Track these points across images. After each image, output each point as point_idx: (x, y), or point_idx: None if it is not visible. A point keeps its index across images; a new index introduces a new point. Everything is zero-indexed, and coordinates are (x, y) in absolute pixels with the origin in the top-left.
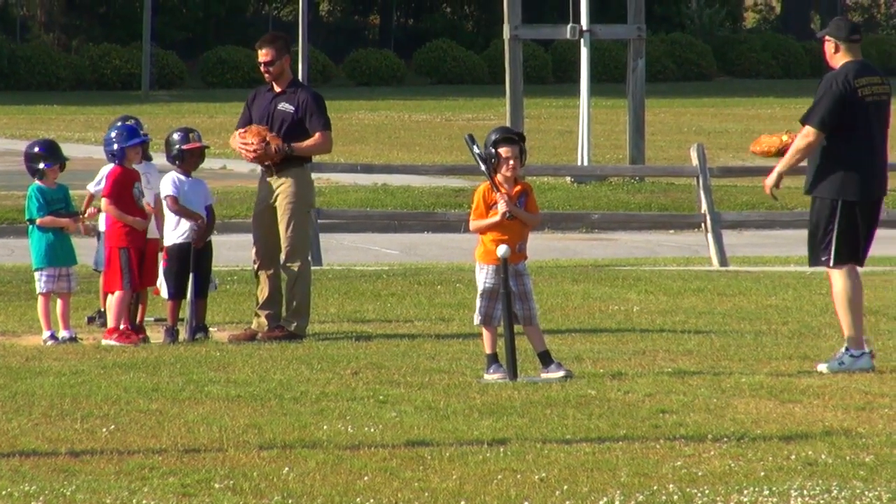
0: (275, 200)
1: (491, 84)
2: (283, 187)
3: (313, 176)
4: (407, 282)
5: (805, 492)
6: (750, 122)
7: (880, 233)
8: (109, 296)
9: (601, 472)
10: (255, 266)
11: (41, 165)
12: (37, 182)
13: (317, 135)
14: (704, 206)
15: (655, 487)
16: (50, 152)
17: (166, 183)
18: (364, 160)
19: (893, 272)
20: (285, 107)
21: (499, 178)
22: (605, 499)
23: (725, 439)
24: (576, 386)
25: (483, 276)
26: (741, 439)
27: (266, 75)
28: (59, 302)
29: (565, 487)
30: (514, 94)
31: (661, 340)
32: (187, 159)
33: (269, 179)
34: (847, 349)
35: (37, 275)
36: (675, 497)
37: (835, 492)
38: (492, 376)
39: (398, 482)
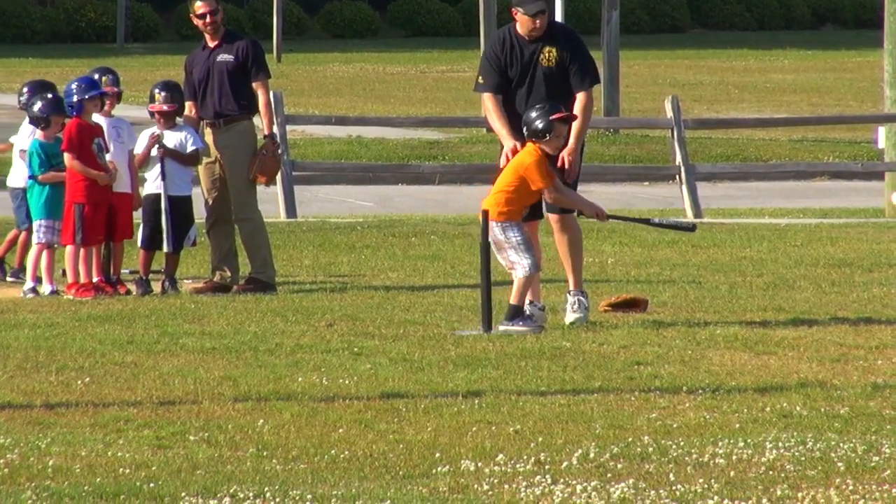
0: (221, 155)
1: (465, 36)
2: (228, 142)
3: (287, 128)
4: (381, 234)
5: (780, 444)
6: (724, 73)
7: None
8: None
9: (576, 424)
10: (209, 222)
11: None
12: (37, 138)
13: (262, 93)
14: (679, 158)
15: (630, 439)
16: (52, 104)
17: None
18: (338, 112)
19: (868, 224)
20: (224, 58)
21: (544, 147)
22: (579, 451)
23: (700, 391)
24: (550, 338)
25: (513, 232)
26: (716, 391)
27: (208, 27)
28: (45, 255)
29: (540, 439)
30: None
31: (636, 292)
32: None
33: (214, 134)
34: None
35: (35, 225)
36: (650, 449)
37: (810, 443)
38: (520, 328)
39: (373, 434)
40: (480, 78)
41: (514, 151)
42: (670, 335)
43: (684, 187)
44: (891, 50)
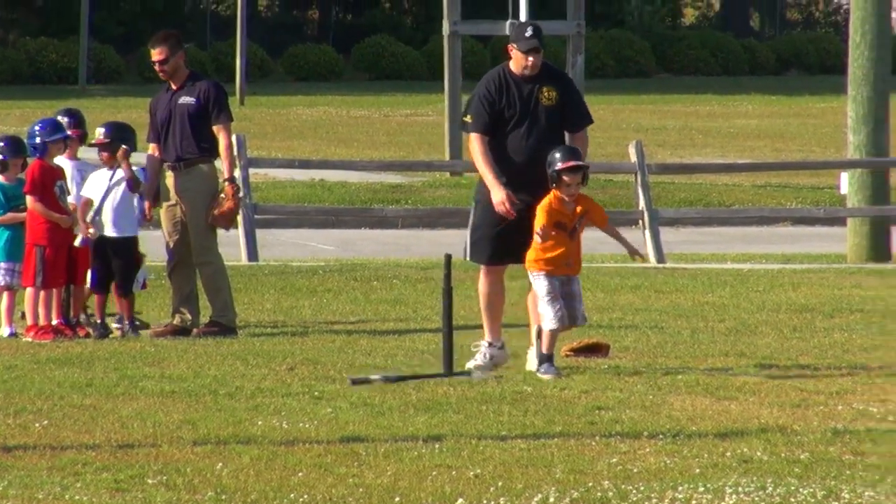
0: (181, 198)
1: (430, 80)
2: (189, 185)
3: (250, 171)
4: (343, 278)
5: (740, 489)
6: (688, 118)
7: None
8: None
9: (536, 468)
10: (171, 265)
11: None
12: None
13: (222, 136)
14: (642, 203)
15: (591, 484)
16: (10, 146)
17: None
18: (301, 155)
19: (829, 269)
20: (186, 100)
21: (558, 195)
22: (539, 495)
23: (661, 436)
24: (511, 382)
25: (544, 283)
26: (677, 436)
27: (161, 74)
28: (5, 298)
29: (500, 484)
30: (453, 89)
31: (598, 337)
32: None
33: (175, 176)
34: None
35: None
36: (610, 494)
37: (770, 489)
38: (546, 376)
39: (332, 478)
40: (469, 117)
41: (503, 204)
42: (632, 380)
43: (647, 232)
44: (854, 96)
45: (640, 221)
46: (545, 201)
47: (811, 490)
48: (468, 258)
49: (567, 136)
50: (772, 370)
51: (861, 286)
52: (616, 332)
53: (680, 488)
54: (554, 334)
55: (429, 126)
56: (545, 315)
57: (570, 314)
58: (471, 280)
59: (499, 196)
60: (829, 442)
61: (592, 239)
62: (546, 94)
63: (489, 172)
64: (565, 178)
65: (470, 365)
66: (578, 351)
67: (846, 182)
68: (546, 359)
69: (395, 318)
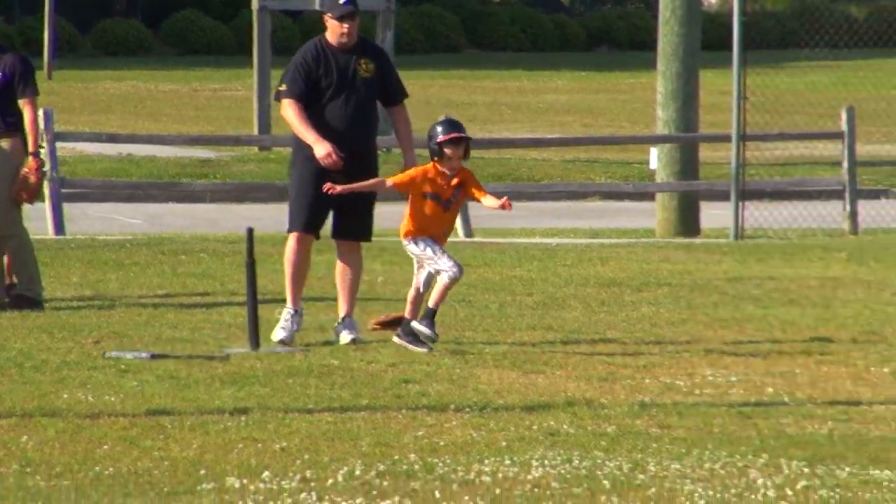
0: None
1: (239, 55)
2: None
3: (57, 145)
4: (150, 251)
5: (546, 462)
6: (498, 94)
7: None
8: None
9: (342, 441)
10: None
11: None
12: None
13: (28, 111)
14: None
15: (397, 457)
16: None
17: None
18: (110, 130)
19: (638, 244)
20: None
21: (439, 168)
22: (345, 468)
23: (468, 409)
24: (319, 355)
25: (420, 246)
26: (483, 409)
27: None
28: None
29: (306, 457)
30: (262, 64)
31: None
32: None
33: None
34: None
35: None
36: (417, 467)
37: (576, 462)
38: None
39: (138, 451)
40: (284, 85)
41: (330, 156)
42: (439, 353)
43: None
44: (664, 72)
45: None
46: (421, 168)
47: (617, 463)
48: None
49: (388, 112)
50: (579, 344)
51: (669, 260)
52: (423, 305)
53: (486, 461)
54: (451, 284)
55: (237, 101)
56: (442, 266)
57: (425, 280)
58: (277, 254)
59: (323, 150)
60: (636, 415)
61: (399, 214)
62: (364, 66)
63: (309, 131)
64: (447, 150)
65: (276, 337)
66: (385, 324)
67: (655, 157)
68: (431, 314)
69: (202, 291)
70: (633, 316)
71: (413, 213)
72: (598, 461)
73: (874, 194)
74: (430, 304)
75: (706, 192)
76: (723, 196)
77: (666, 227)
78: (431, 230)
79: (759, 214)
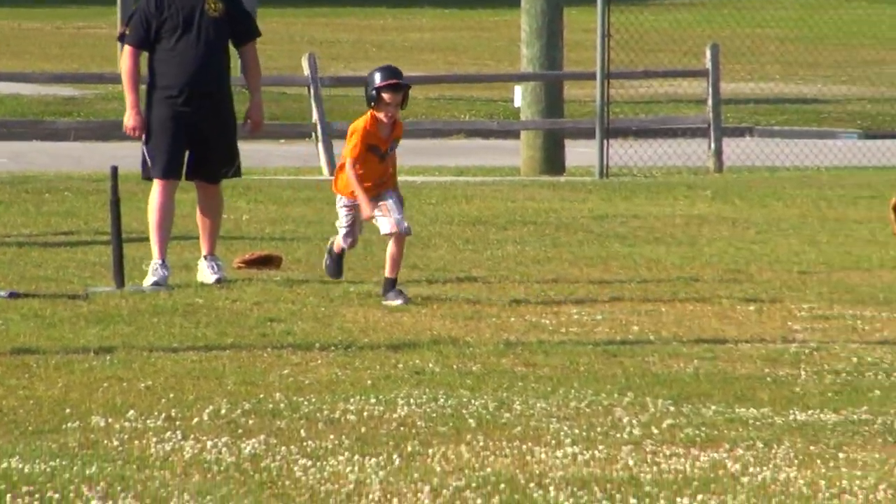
0: None
1: None
2: None
3: None
4: (14, 190)
5: (412, 400)
6: (362, 32)
7: (491, 143)
8: None
9: (208, 380)
10: None
11: None
12: None
13: None
14: (315, 116)
15: (262, 396)
16: None
17: None
18: None
19: (503, 182)
20: None
21: (376, 116)
22: (211, 407)
23: (333, 348)
24: (183, 294)
25: (344, 214)
26: (349, 348)
27: None
28: None
29: (171, 395)
30: (125, 2)
31: (270, 249)
32: None
33: None
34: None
35: None
36: (282, 405)
37: (441, 400)
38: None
39: (3, 390)
40: (128, 29)
41: (134, 130)
42: (304, 292)
43: (321, 145)
44: (528, 9)
45: (314, 134)
46: (360, 123)
47: (483, 401)
48: (149, 176)
49: (238, 52)
50: (444, 283)
51: (534, 199)
52: (289, 244)
53: (352, 400)
54: (340, 250)
55: (101, 39)
56: (338, 239)
57: (397, 220)
58: (142, 193)
59: (130, 121)
60: (501, 354)
61: (263, 152)
62: (212, 5)
63: (130, 93)
64: (385, 96)
65: (145, 284)
66: (251, 263)
67: (520, 95)
68: (390, 284)
69: (66, 230)
70: (499, 254)
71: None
72: (464, 400)
73: (739, 132)
74: (387, 273)
75: (571, 131)
76: (588, 134)
77: (531, 166)
78: (365, 182)
79: (624, 153)
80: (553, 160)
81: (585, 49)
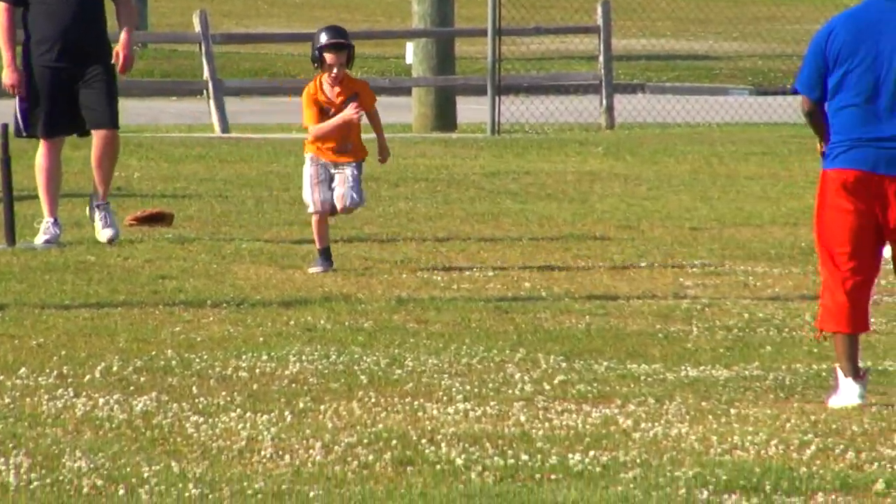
0: None
1: None
2: None
3: None
4: None
5: (304, 357)
6: None
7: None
8: None
9: (100, 337)
10: None
11: None
12: None
13: None
14: (206, 73)
15: (154, 353)
16: None
17: None
18: None
19: (395, 139)
20: None
21: (324, 78)
22: (102, 364)
23: (225, 305)
24: (76, 251)
25: (308, 169)
26: (241, 305)
27: None
28: None
29: (63, 353)
30: None
31: (162, 206)
32: None
33: None
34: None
35: None
36: (174, 362)
37: (333, 357)
38: (315, 269)
39: None
40: None
41: (12, 87)
42: (196, 249)
43: (212, 102)
44: None
45: (205, 91)
46: (305, 89)
47: (375, 358)
48: (24, 133)
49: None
50: (336, 240)
51: (426, 155)
52: (180, 201)
53: (244, 357)
54: (318, 222)
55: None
56: (306, 201)
57: (342, 194)
58: (32, 150)
59: (7, 79)
60: (393, 310)
61: (155, 109)
62: None
63: (6, 51)
64: (327, 56)
65: (36, 242)
66: (142, 220)
67: (411, 52)
68: (320, 253)
69: None
70: (390, 211)
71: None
72: (356, 356)
73: (630, 89)
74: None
75: (462, 87)
76: (479, 91)
77: (422, 122)
78: (327, 145)
79: (516, 109)
80: (445, 117)
81: (477, 5)
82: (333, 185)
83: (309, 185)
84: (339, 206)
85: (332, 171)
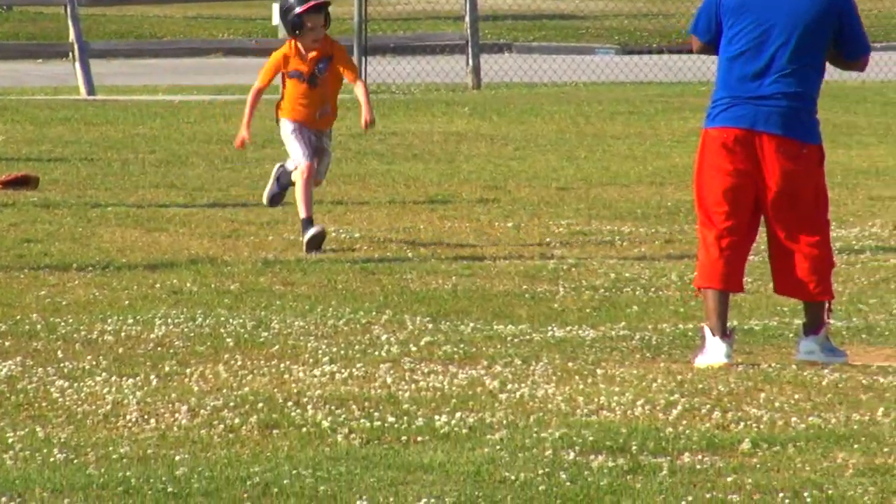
0: None
1: None
2: None
3: None
4: None
5: (170, 320)
6: None
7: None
8: None
9: None
10: None
11: None
12: None
13: None
14: (72, 35)
15: (19, 317)
16: None
17: None
18: None
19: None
20: None
21: (303, 43)
22: None
23: (90, 268)
24: None
25: (285, 130)
26: (106, 268)
27: None
28: None
29: None
30: None
31: (27, 170)
32: None
33: None
34: None
35: None
36: (39, 326)
37: (199, 319)
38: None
39: None
40: None
41: None
42: (61, 213)
43: (77, 64)
44: None
45: (71, 54)
46: (280, 53)
47: (241, 320)
48: None
49: None
50: (202, 203)
51: None
52: (45, 164)
53: (109, 320)
54: (304, 182)
55: None
56: (292, 162)
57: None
58: None
59: None
60: (259, 272)
61: (21, 72)
62: None
63: None
64: (308, 21)
65: None
66: (6, 184)
67: (277, 13)
68: (305, 223)
69: None
70: (257, 173)
71: (283, 93)
72: (222, 319)
73: (497, 48)
74: (301, 214)
75: None
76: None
77: None
78: (300, 111)
79: (383, 70)
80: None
81: None
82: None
83: (294, 140)
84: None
85: (312, 138)
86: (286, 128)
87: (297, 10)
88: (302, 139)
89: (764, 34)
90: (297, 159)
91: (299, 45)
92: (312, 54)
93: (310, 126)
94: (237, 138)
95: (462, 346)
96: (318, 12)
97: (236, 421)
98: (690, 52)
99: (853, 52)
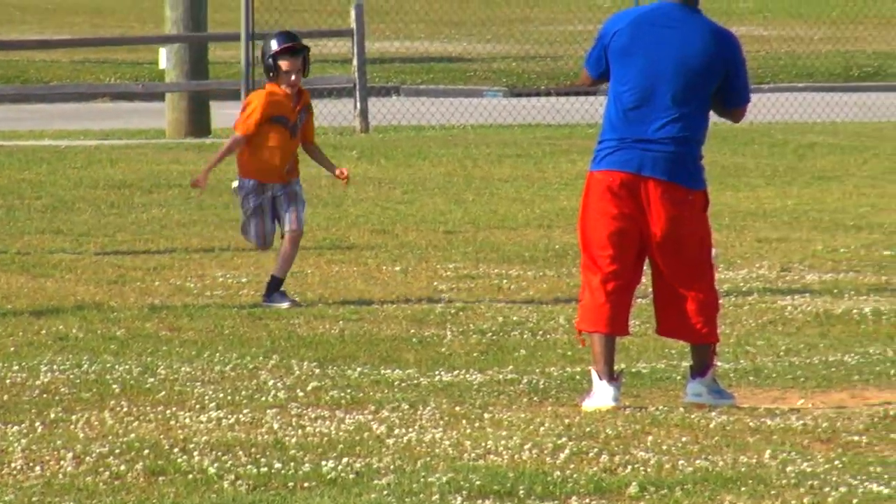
0: None
1: None
2: None
3: None
4: None
5: (55, 366)
6: None
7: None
8: None
9: None
10: None
11: None
12: None
13: None
14: None
15: None
16: None
17: None
18: None
19: (148, 145)
20: None
21: (282, 88)
22: None
23: None
24: None
25: (251, 196)
26: None
27: None
28: None
29: None
30: None
31: None
32: None
33: None
34: None
35: None
36: None
37: (85, 366)
38: (281, 305)
39: None
40: None
41: None
42: None
43: None
44: None
45: None
46: (261, 94)
47: (127, 367)
48: None
49: None
50: (88, 248)
51: (179, 161)
52: None
53: None
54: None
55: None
56: (246, 236)
57: (294, 218)
58: None
59: None
60: (146, 318)
61: None
62: None
63: None
64: (282, 63)
65: None
66: None
67: (165, 57)
68: (277, 284)
69: None
70: (143, 218)
71: (251, 148)
72: (108, 365)
73: (385, 91)
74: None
75: (217, 92)
76: (234, 95)
77: (176, 128)
78: (270, 165)
79: None
80: (198, 122)
81: (230, 10)
82: (285, 207)
83: (251, 219)
84: (294, 227)
85: (279, 193)
86: (247, 193)
87: (273, 50)
88: (260, 220)
89: (652, 77)
90: (249, 240)
91: (284, 89)
92: (295, 103)
93: (275, 181)
94: (197, 179)
95: (349, 390)
96: (296, 55)
97: (122, 468)
98: (578, 94)
99: (734, 101)
